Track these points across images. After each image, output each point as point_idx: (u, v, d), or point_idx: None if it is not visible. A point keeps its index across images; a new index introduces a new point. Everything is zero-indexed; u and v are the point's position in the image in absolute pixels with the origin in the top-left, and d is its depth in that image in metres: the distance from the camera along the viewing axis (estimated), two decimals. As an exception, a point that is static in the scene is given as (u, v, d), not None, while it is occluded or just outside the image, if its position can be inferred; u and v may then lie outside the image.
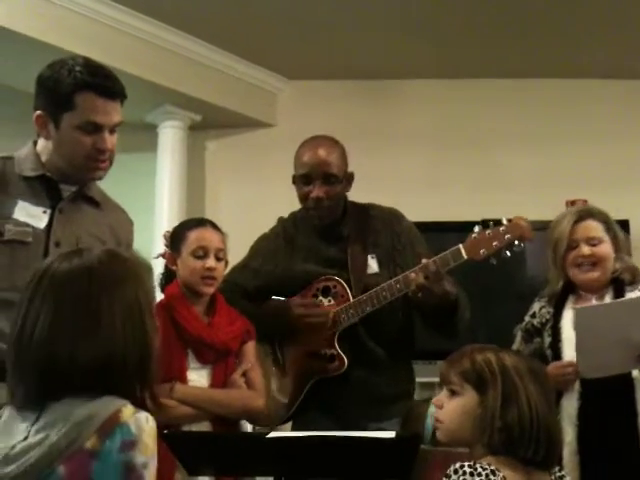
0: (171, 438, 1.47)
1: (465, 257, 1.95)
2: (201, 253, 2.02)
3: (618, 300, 2.09)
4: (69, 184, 1.82)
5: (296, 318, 2.15)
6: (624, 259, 2.21)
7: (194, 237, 2.04)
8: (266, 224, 2.40)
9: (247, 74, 4.08)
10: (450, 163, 4.05)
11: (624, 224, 2.91)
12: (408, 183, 3.90)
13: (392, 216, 2.26)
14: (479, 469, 1.32)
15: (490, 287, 3.73)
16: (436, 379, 1.55)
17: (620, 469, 1.95)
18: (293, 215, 2.32)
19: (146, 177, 4.06)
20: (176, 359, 1.95)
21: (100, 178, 1.84)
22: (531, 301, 2.30)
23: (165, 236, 2.17)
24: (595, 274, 2.14)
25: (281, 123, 4.18)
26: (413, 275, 1.97)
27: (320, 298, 2.15)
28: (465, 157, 4.05)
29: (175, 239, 2.10)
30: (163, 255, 2.14)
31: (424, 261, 1.97)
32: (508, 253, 1.97)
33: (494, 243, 1.93)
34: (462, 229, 3.22)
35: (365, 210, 2.26)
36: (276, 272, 2.22)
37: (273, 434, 1.42)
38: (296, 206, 2.31)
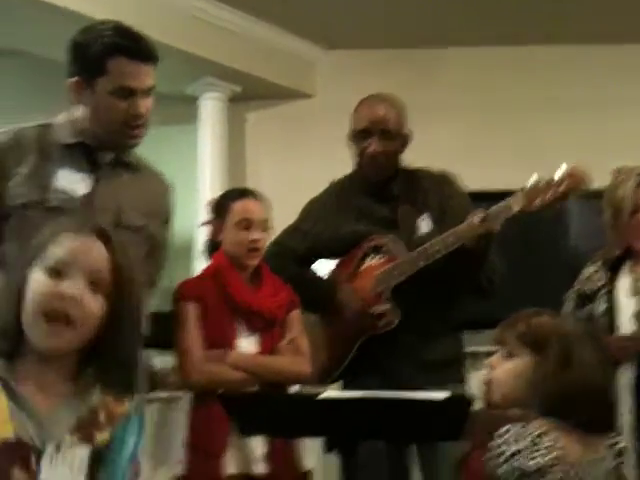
0: (226, 399, 1.52)
1: (519, 207, 1.92)
2: (245, 225, 2.03)
3: None
4: (107, 151, 1.83)
5: (345, 279, 2.16)
6: None
7: (238, 209, 2.05)
8: (307, 194, 2.40)
9: (286, 44, 4.07)
10: (492, 131, 3.99)
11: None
12: (449, 152, 3.86)
13: (443, 178, 2.25)
14: (529, 431, 1.33)
15: (533, 258, 3.71)
16: (482, 348, 1.56)
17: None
18: (345, 177, 2.32)
19: (187, 149, 4.09)
20: (226, 326, 1.99)
21: (137, 143, 1.85)
22: (575, 271, 2.27)
23: (209, 205, 2.19)
24: None
25: (320, 93, 4.16)
26: (466, 227, 1.96)
27: (371, 256, 2.15)
28: (507, 125, 3.99)
29: (219, 210, 2.12)
30: (208, 223, 2.17)
31: (477, 212, 1.96)
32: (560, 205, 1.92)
33: (549, 194, 1.89)
34: (505, 198, 3.21)
35: (415, 173, 2.25)
36: (326, 233, 2.23)
37: (324, 394, 1.45)
38: (335, 175, 2.33)
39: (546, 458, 1.30)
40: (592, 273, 2.19)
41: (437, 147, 3.87)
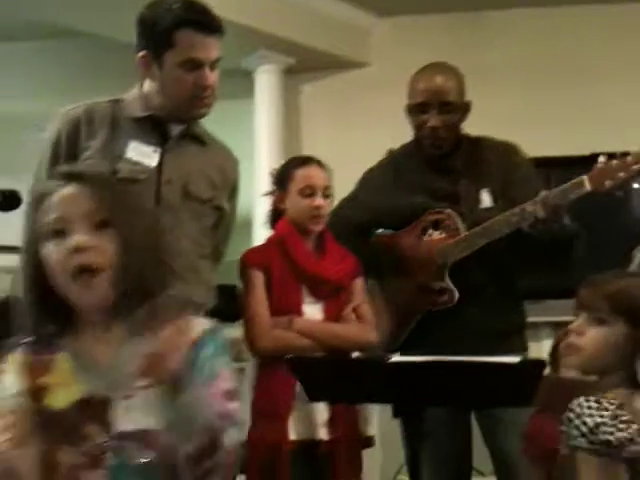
0: (294, 363, 1.54)
1: (589, 188, 1.87)
2: (309, 192, 2.05)
3: None
4: (176, 123, 1.86)
5: (405, 253, 2.15)
6: None
7: (301, 176, 2.08)
8: (363, 165, 2.37)
9: (339, 13, 4.03)
10: (554, 96, 3.88)
11: None
12: (510, 119, 3.78)
13: (507, 149, 2.19)
14: (605, 404, 1.29)
15: (595, 230, 3.61)
16: (541, 319, 1.51)
17: None
18: (404, 147, 2.28)
19: (244, 124, 4.12)
20: (292, 293, 2.01)
21: (205, 115, 1.87)
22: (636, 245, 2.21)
23: (272, 174, 2.21)
24: None
25: (375, 62, 4.12)
26: (531, 207, 1.91)
27: (430, 231, 2.12)
28: (570, 89, 3.87)
29: (282, 178, 2.14)
30: (271, 193, 2.19)
31: (543, 192, 1.90)
32: (636, 185, 1.90)
33: (620, 174, 1.84)
34: (568, 164, 3.12)
35: (478, 143, 2.19)
36: (385, 205, 2.21)
37: (394, 359, 1.46)
38: (392, 145, 2.29)
39: (629, 431, 1.27)
40: None
41: (497, 113, 3.79)
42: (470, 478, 2.18)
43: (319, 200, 2.05)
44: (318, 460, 1.92)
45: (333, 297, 2.04)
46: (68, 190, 1.20)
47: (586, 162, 3.19)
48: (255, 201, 3.60)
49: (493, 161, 2.15)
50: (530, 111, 3.88)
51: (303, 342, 1.95)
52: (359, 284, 2.10)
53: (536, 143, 3.57)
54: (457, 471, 2.11)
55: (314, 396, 1.66)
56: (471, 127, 2.27)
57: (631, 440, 1.26)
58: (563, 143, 3.66)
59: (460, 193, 2.12)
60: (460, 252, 2.07)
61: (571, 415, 1.30)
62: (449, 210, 2.10)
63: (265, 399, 1.95)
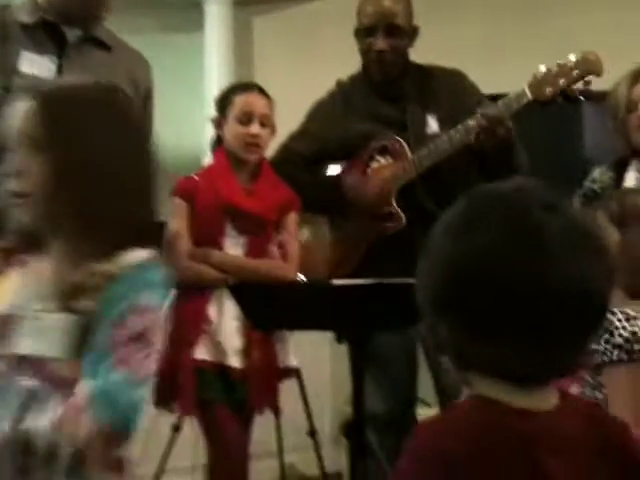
0: (236, 290, 1.50)
1: (530, 97, 1.87)
2: (246, 119, 2.01)
3: None
4: (73, 26, 1.71)
5: (353, 181, 2.13)
6: None
7: (239, 102, 2.03)
8: (317, 98, 2.32)
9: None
10: (512, 29, 3.81)
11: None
12: (467, 52, 3.71)
13: (454, 75, 2.19)
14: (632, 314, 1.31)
15: (546, 169, 3.63)
16: None
17: None
18: (352, 76, 2.26)
19: (194, 57, 3.99)
20: (214, 226, 1.99)
21: (100, 18, 1.74)
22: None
23: (214, 100, 2.16)
24: None
25: (329, -6, 4.00)
26: (473, 122, 1.90)
27: (377, 158, 2.11)
28: (528, 21, 3.81)
29: (221, 103, 2.10)
30: (213, 120, 2.14)
31: (485, 107, 1.91)
32: (582, 97, 1.88)
33: (561, 80, 1.84)
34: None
35: (426, 70, 2.19)
36: (333, 134, 2.19)
37: (337, 282, 1.43)
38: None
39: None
40: (600, 174, 2.17)
41: (453, 46, 3.73)
42: (416, 407, 2.20)
43: (256, 128, 1.99)
44: (232, 383, 1.92)
45: (257, 232, 2.02)
46: (17, 106, 1.13)
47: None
48: (204, 138, 3.51)
49: (441, 88, 2.15)
50: (490, 43, 3.79)
51: (215, 275, 1.92)
52: (291, 219, 2.08)
53: (496, 78, 3.55)
54: (404, 399, 2.13)
55: (258, 324, 1.63)
56: (425, 59, 2.23)
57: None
58: (525, 79, 3.62)
59: (408, 120, 2.10)
60: (407, 176, 2.05)
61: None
62: (396, 136, 2.09)
63: (176, 327, 1.90)
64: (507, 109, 1.90)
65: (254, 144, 2.00)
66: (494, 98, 3.05)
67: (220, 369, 1.91)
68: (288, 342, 2.02)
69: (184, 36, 3.93)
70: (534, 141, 3.53)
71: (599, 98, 2.21)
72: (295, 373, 2.09)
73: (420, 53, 2.22)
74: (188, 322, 1.91)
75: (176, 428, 2.61)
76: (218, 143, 2.10)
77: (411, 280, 1.38)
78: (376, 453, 2.08)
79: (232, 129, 2.02)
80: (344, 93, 2.23)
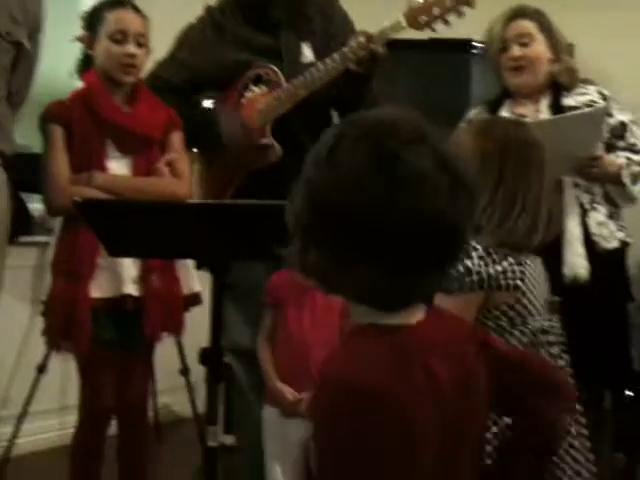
0: (86, 207, 1.39)
1: (405, 26, 1.87)
2: (120, 37, 1.89)
3: (564, 115, 2.07)
4: None
5: (227, 112, 2.06)
6: (563, 60, 2.14)
7: (113, 19, 1.90)
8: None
9: None
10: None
11: (569, 48, 2.79)
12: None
13: (327, 2, 2.14)
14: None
15: (431, 111, 3.64)
16: None
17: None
18: (222, 1, 2.17)
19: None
20: (94, 148, 1.87)
21: None
22: None
23: (82, 16, 2.01)
24: (526, 78, 2.09)
25: None
26: (350, 52, 1.88)
27: (252, 88, 2.05)
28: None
29: (92, 20, 1.95)
30: (81, 38, 1.99)
31: (361, 33, 1.88)
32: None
33: (435, 10, 1.84)
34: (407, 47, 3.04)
35: None
36: (205, 63, 2.10)
37: (196, 201, 1.36)
38: None
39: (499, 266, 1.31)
40: (475, 115, 2.18)
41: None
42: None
43: (131, 47, 1.88)
44: (127, 316, 1.84)
45: (142, 151, 1.92)
46: None
47: (427, 47, 3.19)
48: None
49: (313, 14, 2.11)
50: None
51: (102, 198, 1.82)
52: (176, 138, 1.99)
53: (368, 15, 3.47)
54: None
55: (113, 250, 1.53)
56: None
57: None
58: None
59: (282, 48, 2.06)
60: (282, 106, 2.00)
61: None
62: (271, 65, 2.03)
63: (67, 258, 1.85)
64: (383, 36, 1.88)
65: (130, 64, 1.88)
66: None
67: (117, 304, 1.83)
68: (188, 266, 1.94)
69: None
70: (421, 91, 3.58)
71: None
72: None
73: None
74: (81, 255, 1.81)
75: (41, 369, 2.51)
76: (87, 64, 1.96)
77: (270, 202, 1.36)
78: (242, 389, 2.05)
79: (105, 48, 1.89)
80: (214, 20, 2.15)
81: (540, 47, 2.09)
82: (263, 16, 2.08)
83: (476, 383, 0.90)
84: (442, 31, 2.17)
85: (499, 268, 1.29)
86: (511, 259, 1.31)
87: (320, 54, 2.03)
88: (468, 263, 1.28)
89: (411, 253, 0.81)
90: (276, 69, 2.01)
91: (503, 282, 1.29)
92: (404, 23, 1.86)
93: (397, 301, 0.86)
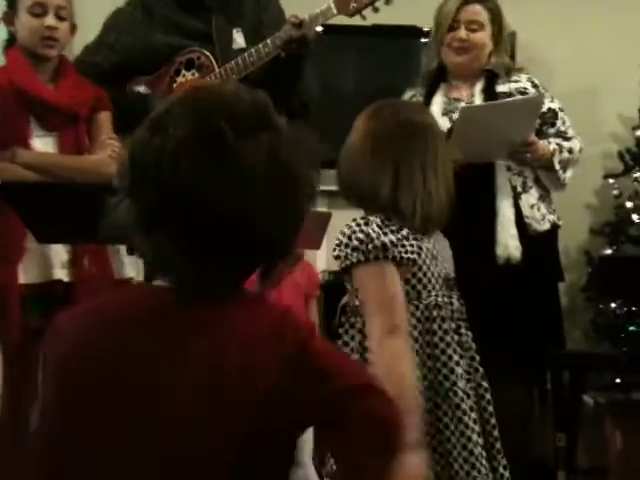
0: (8, 191, 1.36)
1: (335, 12, 1.91)
2: (39, 10, 1.83)
3: (501, 102, 2.11)
4: None
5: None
6: (503, 56, 2.18)
7: None
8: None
9: None
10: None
11: (511, 36, 2.83)
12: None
13: None
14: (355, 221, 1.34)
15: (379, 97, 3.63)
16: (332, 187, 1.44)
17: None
18: None
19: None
20: (17, 126, 1.82)
21: None
22: None
23: None
24: (464, 59, 2.12)
25: None
26: (280, 34, 1.91)
27: (183, 72, 2.04)
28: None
29: None
30: (2, 17, 1.93)
31: (292, 17, 1.91)
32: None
33: None
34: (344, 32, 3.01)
35: None
36: (135, 46, 2.07)
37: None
38: None
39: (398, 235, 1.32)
40: (410, 97, 2.21)
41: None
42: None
43: (50, 19, 1.83)
44: (58, 302, 1.80)
45: (69, 128, 1.88)
46: None
47: (367, 34, 3.16)
48: None
49: (245, 1, 2.11)
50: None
51: (26, 175, 1.77)
52: (106, 117, 1.95)
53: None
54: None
55: (41, 236, 1.50)
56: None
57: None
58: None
59: (214, 33, 2.05)
60: None
61: (340, 237, 1.31)
62: (202, 50, 2.03)
63: None
64: (314, 21, 1.92)
65: (51, 37, 1.84)
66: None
67: (45, 290, 1.79)
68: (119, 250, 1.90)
69: None
70: (369, 76, 3.58)
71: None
72: None
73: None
74: (9, 239, 1.75)
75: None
76: (13, 42, 1.91)
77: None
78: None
79: (25, 23, 1.84)
80: (144, 3, 2.12)
81: (485, 37, 2.13)
82: (195, 0, 2.07)
83: (229, 378, 0.80)
84: (389, 18, 2.20)
85: (398, 236, 1.30)
86: (407, 231, 1.32)
87: (251, 40, 2.04)
88: (368, 230, 1.29)
89: (199, 235, 0.80)
90: (208, 54, 2.01)
91: (403, 255, 1.30)
92: (334, 10, 1.90)
93: (190, 278, 0.83)
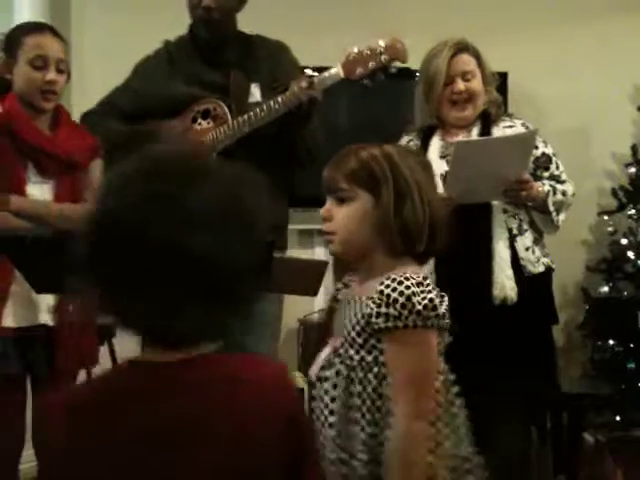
0: (3, 243, 1.36)
1: (342, 76, 2.00)
2: (40, 63, 1.86)
3: (496, 137, 2.14)
4: None
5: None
6: (492, 92, 2.23)
7: (32, 44, 1.88)
8: (137, 55, 2.30)
9: None
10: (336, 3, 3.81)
11: (502, 76, 2.88)
12: (288, 23, 3.68)
13: (277, 47, 2.24)
14: (411, 279, 1.24)
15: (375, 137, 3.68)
16: (315, 226, 1.45)
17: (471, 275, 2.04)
18: (180, 37, 2.26)
19: (4, 10, 3.67)
20: (13, 172, 1.84)
21: None
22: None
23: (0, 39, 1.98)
24: (468, 112, 2.16)
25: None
26: (292, 96, 1.99)
27: (199, 121, 2.12)
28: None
29: (10, 43, 1.92)
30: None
31: (302, 81, 2.00)
32: (383, 76, 2.03)
33: (370, 63, 1.97)
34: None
35: (251, 38, 2.24)
36: (156, 93, 2.16)
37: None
38: (167, 35, 2.27)
39: (435, 292, 1.25)
40: (407, 142, 2.24)
41: (277, 16, 3.69)
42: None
43: (52, 74, 1.86)
44: (43, 347, 1.81)
45: (66, 176, 1.90)
46: None
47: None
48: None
49: (264, 58, 2.20)
50: (308, 19, 3.75)
51: (18, 223, 1.77)
52: (99, 165, 1.98)
53: (316, 52, 3.51)
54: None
55: (39, 287, 1.49)
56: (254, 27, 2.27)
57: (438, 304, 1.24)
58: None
59: (231, 86, 2.14)
60: (225, 140, 2.08)
61: (376, 298, 1.23)
62: (218, 100, 2.11)
63: None
64: (321, 84, 2.00)
65: (50, 91, 1.87)
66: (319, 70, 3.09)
67: (30, 333, 1.79)
68: None
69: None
70: (366, 117, 3.63)
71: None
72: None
73: (248, 22, 2.26)
74: None
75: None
76: (5, 88, 1.93)
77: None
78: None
79: (24, 73, 1.87)
80: (170, 53, 2.24)
81: (480, 83, 2.17)
82: (215, 54, 2.18)
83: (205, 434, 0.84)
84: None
85: (439, 303, 1.24)
86: (434, 288, 1.26)
87: (267, 95, 2.12)
88: (432, 296, 1.23)
89: (153, 282, 0.82)
90: (223, 105, 2.10)
91: (444, 322, 1.24)
92: (341, 74, 2.00)
93: (160, 334, 0.85)
